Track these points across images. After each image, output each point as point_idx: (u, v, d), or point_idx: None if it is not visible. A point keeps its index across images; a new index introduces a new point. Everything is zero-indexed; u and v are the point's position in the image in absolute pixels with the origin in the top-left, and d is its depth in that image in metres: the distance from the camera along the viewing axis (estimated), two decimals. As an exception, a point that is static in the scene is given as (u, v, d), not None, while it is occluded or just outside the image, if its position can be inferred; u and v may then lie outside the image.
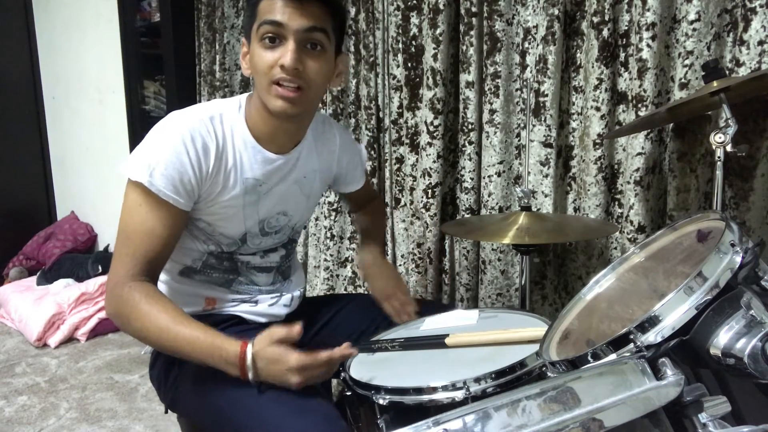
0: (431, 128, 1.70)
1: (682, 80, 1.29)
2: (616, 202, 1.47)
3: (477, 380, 0.89)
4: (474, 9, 1.58)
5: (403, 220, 1.87)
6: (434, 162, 1.71)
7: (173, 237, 1.06)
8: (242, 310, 1.19)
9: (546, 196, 1.54)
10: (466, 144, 1.66)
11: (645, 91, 1.33)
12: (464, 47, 1.62)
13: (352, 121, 2.01)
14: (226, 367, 0.97)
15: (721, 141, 1.06)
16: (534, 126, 1.52)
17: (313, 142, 1.22)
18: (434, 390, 0.89)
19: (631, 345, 0.72)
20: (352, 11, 1.91)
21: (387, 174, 1.90)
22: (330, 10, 1.04)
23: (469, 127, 1.65)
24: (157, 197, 1.01)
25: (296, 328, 0.97)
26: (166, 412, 1.20)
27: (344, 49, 1.13)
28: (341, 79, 1.15)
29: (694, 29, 1.25)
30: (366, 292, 1.55)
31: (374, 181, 1.94)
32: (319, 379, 0.97)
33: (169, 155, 1.01)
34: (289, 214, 1.21)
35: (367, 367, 1.04)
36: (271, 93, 1.02)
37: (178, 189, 1.02)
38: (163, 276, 1.13)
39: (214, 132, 1.06)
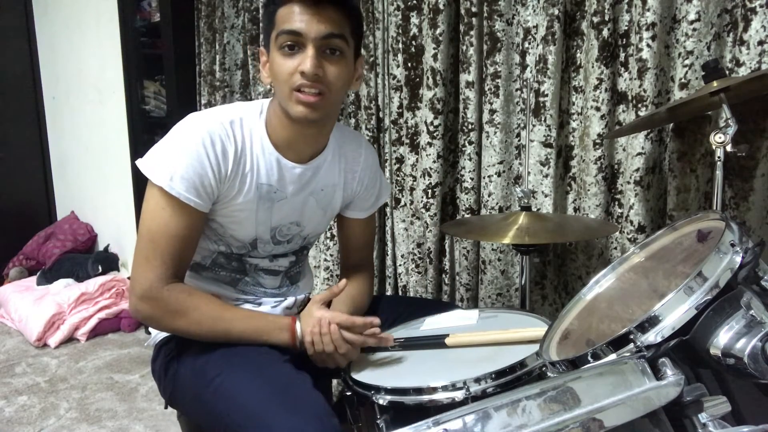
0: (431, 128, 1.70)
1: (682, 80, 1.29)
2: (616, 202, 1.47)
3: (477, 380, 0.89)
4: (474, 9, 1.58)
5: (403, 220, 1.87)
6: (434, 162, 1.71)
7: (196, 238, 1.09)
8: None
9: (546, 196, 1.54)
10: (466, 144, 1.66)
11: (645, 91, 1.33)
12: (464, 47, 1.62)
13: (352, 121, 2.01)
14: (279, 334, 1.08)
15: (721, 141, 1.06)
16: (534, 126, 1.52)
17: (337, 156, 1.21)
18: (434, 390, 0.89)
19: (631, 345, 0.72)
20: (352, 11, 1.91)
21: (387, 174, 1.90)
22: (347, 14, 1.03)
23: (469, 127, 1.65)
24: (178, 200, 1.02)
25: (341, 284, 1.13)
26: (166, 407, 1.20)
27: (361, 54, 1.12)
28: (359, 83, 1.15)
29: (694, 29, 1.25)
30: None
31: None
32: (345, 350, 1.05)
33: (189, 158, 1.02)
34: (302, 225, 1.21)
35: (367, 367, 1.04)
36: (292, 99, 1.03)
37: (198, 192, 1.04)
38: None
39: (233, 136, 1.07)
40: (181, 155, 1.03)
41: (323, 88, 1.02)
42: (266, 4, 1.09)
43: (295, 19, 1.00)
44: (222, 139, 1.05)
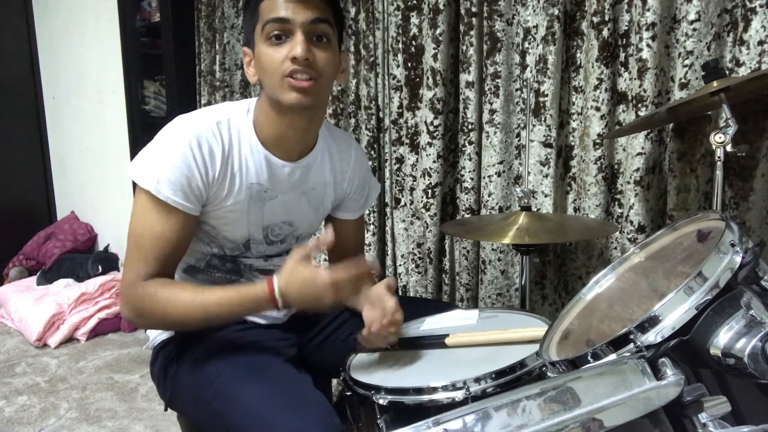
0: (431, 128, 1.70)
1: (682, 80, 1.29)
2: (616, 202, 1.47)
3: (477, 380, 0.89)
4: (474, 9, 1.58)
5: (403, 220, 1.87)
6: (434, 162, 1.71)
7: (184, 240, 1.06)
8: None
9: (546, 196, 1.54)
10: (466, 144, 1.66)
11: (645, 91, 1.33)
12: (464, 47, 1.62)
13: (352, 121, 2.01)
14: (263, 306, 1.02)
15: (721, 141, 1.06)
16: (534, 126, 1.52)
17: (327, 156, 1.20)
18: (434, 390, 0.89)
19: (631, 345, 0.72)
20: (352, 11, 1.91)
21: (387, 174, 1.90)
22: (330, 1, 1.04)
23: (469, 127, 1.65)
24: (165, 204, 1.01)
25: (329, 233, 1.01)
26: (166, 409, 1.20)
27: (344, 47, 1.13)
28: (345, 76, 1.14)
29: (694, 29, 1.25)
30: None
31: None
32: (346, 297, 0.99)
33: (176, 161, 1.01)
34: (295, 225, 1.20)
35: (367, 367, 1.04)
36: (284, 87, 1.01)
37: (186, 195, 1.02)
38: None
39: (220, 136, 1.05)
40: (168, 158, 1.01)
41: (314, 74, 1.01)
42: (247, 1, 1.08)
43: (281, 7, 1.00)
44: (209, 140, 1.04)
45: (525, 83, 1.55)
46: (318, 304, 0.98)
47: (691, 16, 1.25)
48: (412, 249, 1.84)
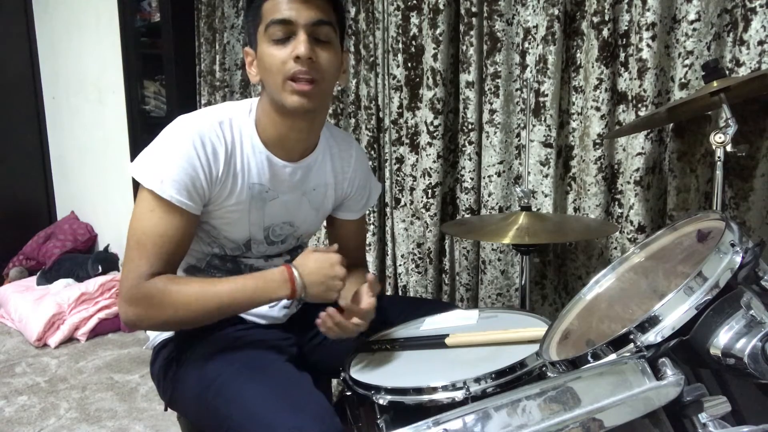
0: (431, 128, 1.70)
1: (682, 80, 1.29)
2: (616, 202, 1.47)
3: (477, 380, 0.89)
4: (474, 9, 1.58)
5: (403, 220, 1.87)
6: (434, 162, 1.71)
7: (186, 239, 1.06)
8: None
9: (546, 196, 1.54)
10: (466, 144, 1.66)
11: (645, 91, 1.33)
12: (464, 47, 1.62)
13: (352, 121, 2.01)
14: (277, 288, 1.03)
15: (721, 141, 1.06)
16: (534, 126, 1.52)
17: (327, 156, 1.21)
18: (434, 390, 0.89)
19: (631, 345, 0.72)
20: (352, 11, 1.91)
21: (387, 174, 1.90)
22: (332, 3, 1.05)
23: (469, 127, 1.65)
24: (169, 203, 1.01)
25: (333, 248, 1.07)
26: (166, 409, 1.20)
27: (345, 48, 1.13)
28: (346, 77, 1.14)
29: (694, 29, 1.25)
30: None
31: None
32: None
33: (180, 160, 1.01)
34: (296, 225, 1.20)
35: (367, 367, 1.04)
36: (286, 90, 1.02)
37: (190, 194, 1.02)
38: None
39: (223, 136, 1.06)
40: (172, 158, 1.01)
41: (317, 75, 1.02)
42: (250, 1, 1.08)
43: (284, 8, 1.00)
44: (212, 140, 1.04)
45: (525, 83, 1.55)
46: (330, 284, 1.03)
47: (691, 16, 1.25)
48: (412, 249, 1.84)
